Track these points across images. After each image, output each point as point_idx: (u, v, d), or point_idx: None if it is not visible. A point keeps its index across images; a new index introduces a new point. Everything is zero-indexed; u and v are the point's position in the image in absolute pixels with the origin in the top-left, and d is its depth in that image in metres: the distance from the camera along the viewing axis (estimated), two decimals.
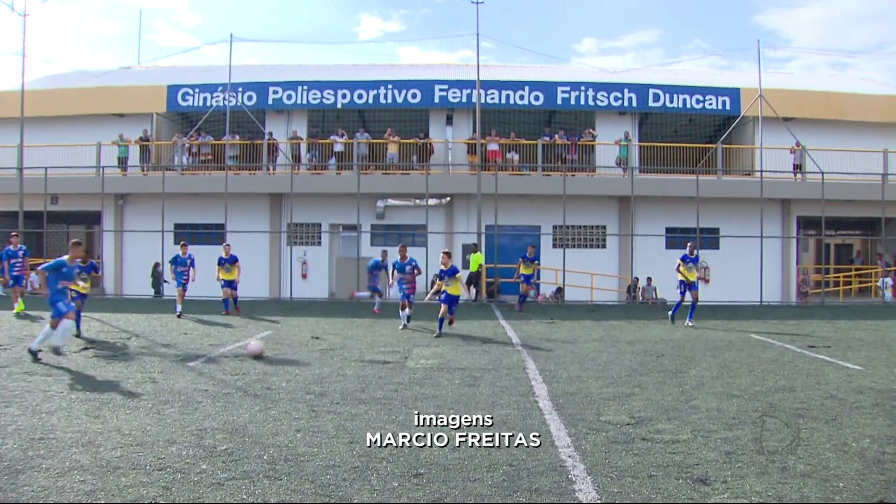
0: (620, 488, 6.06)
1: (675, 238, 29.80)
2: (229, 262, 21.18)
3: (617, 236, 30.49)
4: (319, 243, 30.71)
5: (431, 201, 29.97)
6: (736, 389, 10.51)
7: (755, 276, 28.33)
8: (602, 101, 31.31)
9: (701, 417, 8.68)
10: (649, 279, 28.32)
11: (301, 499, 5.67)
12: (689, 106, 31.58)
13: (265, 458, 6.74)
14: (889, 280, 32.21)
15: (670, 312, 19.59)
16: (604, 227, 30.68)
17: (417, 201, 30.23)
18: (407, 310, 17.88)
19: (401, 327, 17.55)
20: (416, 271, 17.74)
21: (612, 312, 23.46)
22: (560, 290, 28.56)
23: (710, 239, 30.43)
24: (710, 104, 31.63)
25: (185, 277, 20.30)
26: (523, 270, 23.40)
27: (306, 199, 29.95)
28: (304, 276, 30.17)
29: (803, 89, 33.14)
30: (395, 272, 18.33)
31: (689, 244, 19.21)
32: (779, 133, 30.87)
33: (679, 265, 18.84)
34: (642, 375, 11.63)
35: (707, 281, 29.21)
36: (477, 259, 27.32)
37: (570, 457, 6.93)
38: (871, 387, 10.90)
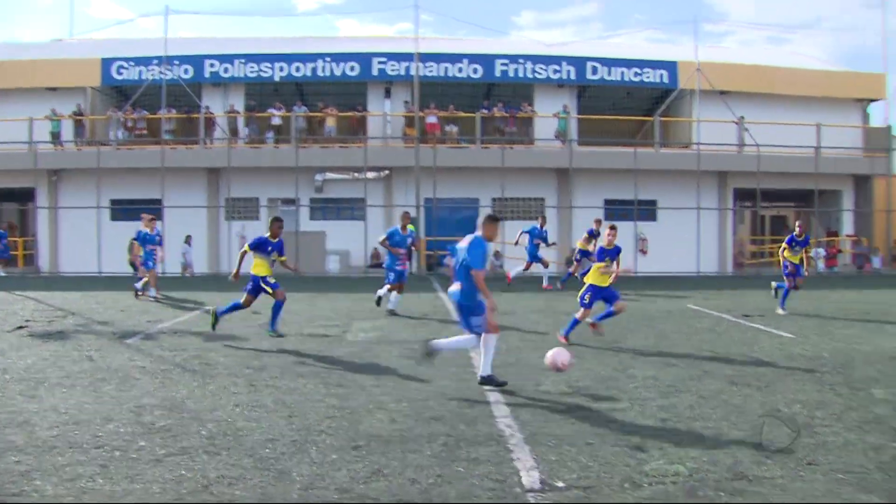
0: (558, 456, 6.17)
1: (613, 210, 30.10)
2: (148, 238, 18.96)
3: (556, 208, 30.76)
4: (258, 218, 30.37)
5: (370, 174, 30.13)
6: (672, 358, 10.76)
7: (692, 247, 29.20)
8: (541, 74, 31.66)
9: (638, 386, 8.90)
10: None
11: (240, 473, 5.66)
12: (627, 79, 32.10)
13: (204, 433, 6.72)
14: (822, 251, 33.28)
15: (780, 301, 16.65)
16: (542, 200, 31.04)
17: (356, 175, 30.32)
18: (396, 293, 15.78)
19: (387, 308, 15.72)
20: (415, 246, 16.34)
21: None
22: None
23: (647, 211, 31.00)
24: (648, 77, 32.21)
25: (155, 256, 18.85)
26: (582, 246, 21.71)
27: (244, 173, 29.89)
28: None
29: (740, 63, 33.75)
30: (391, 246, 15.49)
31: (798, 224, 16.80)
32: (715, 106, 31.56)
33: (784, 249, 16.43)
34: (581, 346, 11.78)
35: (645, 252, 30.03)
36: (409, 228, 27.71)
37: (508, 426, 7.05)
38: (802, 354, 11.23)
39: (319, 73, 31.10)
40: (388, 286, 15.80)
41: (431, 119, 30.36)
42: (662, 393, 8.55)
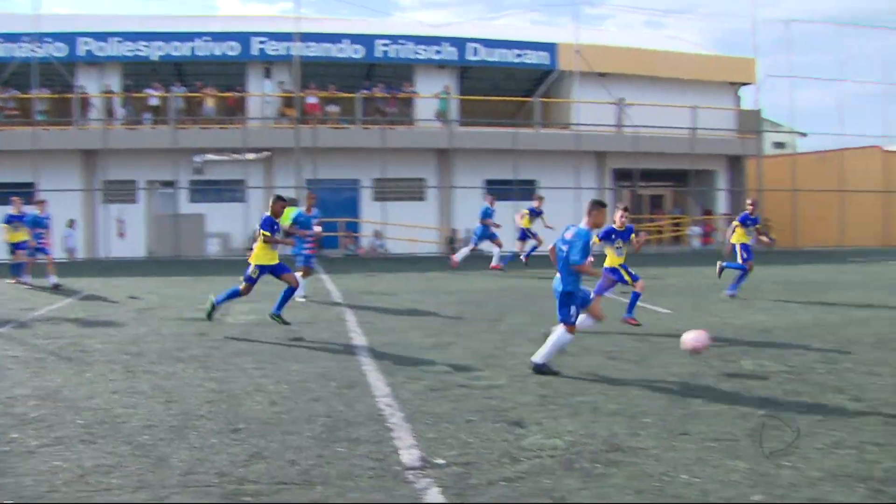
0: (438, 434, 6.33)
1: (493, 190, 30.17)
2: (21, 220, 18.49)
3: (436, 188, 31.61)
4: (135, 201, 30.29)
5: (250, 156, 30.27)
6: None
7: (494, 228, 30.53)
8: (422, 55, 32.25)
9: (517, 363, 9.13)
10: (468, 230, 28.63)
11: (118, 461, 5.62)
12: (508, 60, 32.93)
13: (80, 422, 6.65)
14: (698, 229, 35.10)
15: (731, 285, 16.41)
16: (423, 180, 31.73)
17: (236, 156, 30.32)
18: (304, 279, 14.90)
19: (302, 299, 14.81)
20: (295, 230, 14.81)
21: (433, 264, 24.32)
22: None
23: (527, 190, 31.18)
24: (529, 59, 33.12)
25: (44, 240, 18.50)
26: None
27: (121, 155, 29.50)
28: (122, 235, 29.84)
29: (619, 46, 35.00)
30: (297, 228, 14.78)
31: (749, 203, 16.44)
32: (595, 88, 32.76)
33: (736, 227, 16.09)
34: (461, 325, 12.09)
35: None
36: (288, 213, 28.33)
37: (388, 406, 7.20)
38: (678, 329, 11.39)
39: (198, 52, 30.90)
40: (304, 269, 15.05)
41: (312, 100, 30.56)
42: None
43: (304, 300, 14.73)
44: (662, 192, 39.50)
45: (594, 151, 33.05)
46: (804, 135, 43.99)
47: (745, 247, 15.77)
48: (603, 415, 7.01)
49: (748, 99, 38.50)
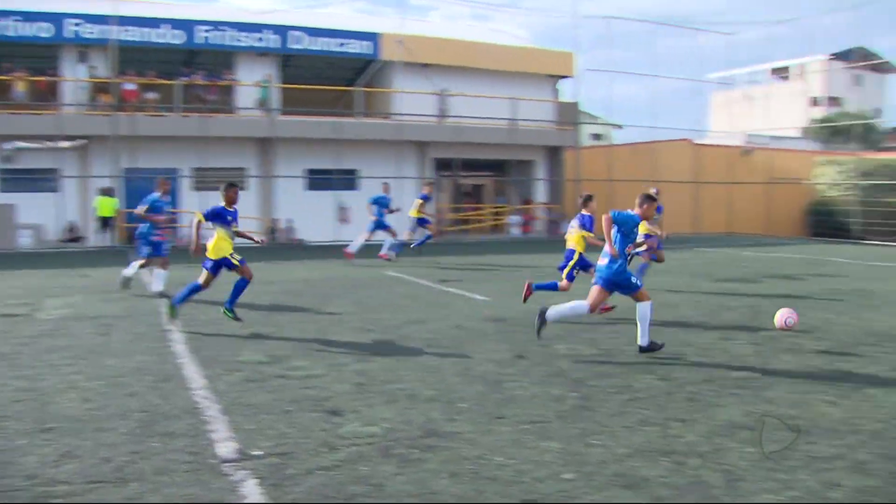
0: (255, 425, 6.45)
1: (316, 180, 31.64)
2: None
3: (258, 178, 31.80)
4: None
5: (65, 144, 29.52)
6: (370, 324, 11.44)
7: (396, 216, 29.55)
8: (243, 42, 32.31)
9: (335, 352, 9.41)
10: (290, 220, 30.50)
11: None
12: (330, 49, 33.39)
13: None
14: (518, 218, 36.49)
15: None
16: (244, 170, 31.75)
17: (49, 144, 29.46)
18: (160, 269, 14.47)
19: (157, 293, 14.29)
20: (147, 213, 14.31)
21: (252, 254, 22.58)
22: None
23: (348, 180, 32.39)
24: (352, 48, 33.70)
25: None
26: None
27: None
28: None
29: (443, 37, 35.95)
30: (151, 215, 14.41)
31: (655, 191, 15.46)
32: (418, 78, 33.75)
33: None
34: (280, 315, 12.34)
35: (347, 221, 30.99)
36: (104, 203, 27.70)
37: (205, 398, 7.24)
38: (495, 316, 12.31)
39: (8, 32, 29.84)
40: (140, 262, 14.70)
41: (130, 86, 30.10)
42: (359, 358, 9.11)
43: (162, 295, 13.87)
44: (483, 181, 40.89)
45: (416, 141, 33.93)
46: (620, 127, 47.23)
47: (647, 237, 15.67)
48: (420, 401, 7.26)
49: (567, 92, 40.25)
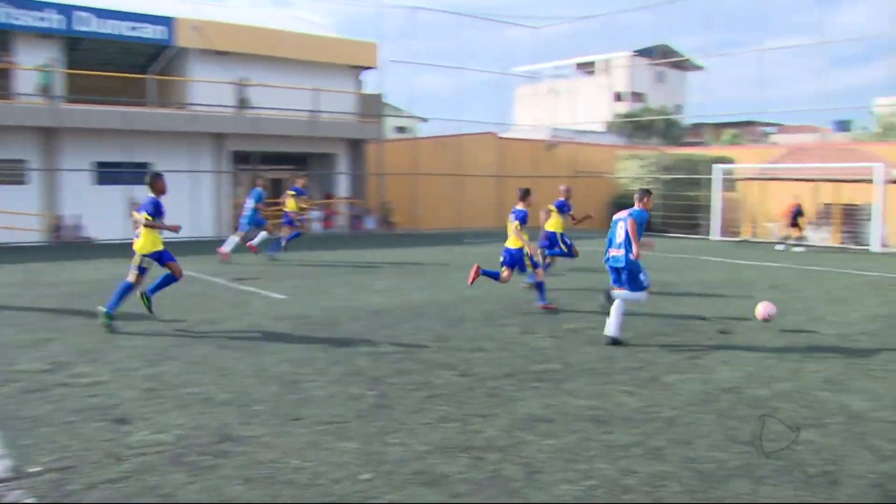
0: (34, 439, 6.26)
1: (105, 173, 30.74)
2: None
3: (40, 171, 30.38)
4: None
5: None
6: (161, 325, 11.34)
7: (188, 211, 30.55)
8: (22, 21, 30.72)
9: (123, 357, 9.23)
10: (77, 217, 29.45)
11: None
12: (122, 33, 32.35)
13: None
14: (318, 213, 36.28)
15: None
16: (24, 162, 30.37)
17: None
18: None
19: None
20: None
21: (35, 254, 23.73)
22: None
23: (140, 174, 31.14)
24: (145, 33, 32.80)
25: None
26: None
27: None
28: None
29: (242, 24, 35.49)
30: None
31: (564, 189, 17.81)
32: (215, 67, 33.33)
33: (551, 212, 17.33)
34: (64, 319, 12.00)
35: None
36: None
37: None
38: (292, 314, 12.36)
39: None
40: None
41: None
42: (149, 362, 8.97)
43: None
44: (283, 175, 40.87)
45: (212, 133, 33.43)
46: (425, 120, 48.31)
47: (555, 234, 16.89)
48: (213, 405, 7.24)
49: (371, 83, 40.51)
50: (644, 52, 66.15)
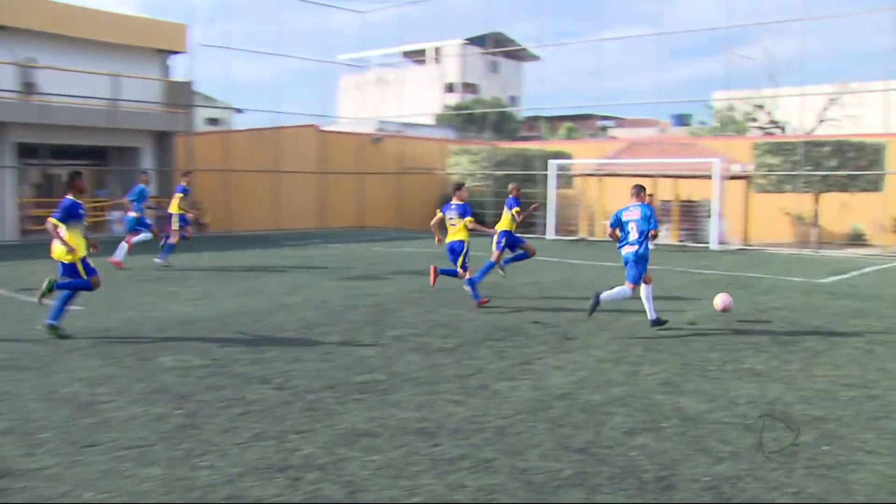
0: None
1: None
2: None
3: None
4: None
5: None
6: None
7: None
8: None
9: None
10: None
11: None
12: None
13: None
14: (119, 213, 33.36)
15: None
16: None
17: None
18: None
19: None
20: None
21: None
22: None
23: None
24: None
25: None
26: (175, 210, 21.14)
27: None
28: None
29: None
30: None
31: (512, 187, 17.40)
32: None
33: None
34: None
35: None
36: None
37: None
38: (88, 327, 11.96)
39: None
40: None
41: None
42: None
43: None
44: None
45: None
46: (240, 111, 47.55)
47: (505, 233, 16.35)
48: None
49: (179, 69, 39.45)
50: (476, 41, 66.88)
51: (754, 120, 54.90)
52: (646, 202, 12.35)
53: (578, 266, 22.08)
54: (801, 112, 39.27)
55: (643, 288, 12.25)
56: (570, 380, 9.11)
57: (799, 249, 30.64)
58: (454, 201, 14.42)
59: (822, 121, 51.10)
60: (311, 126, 42.51)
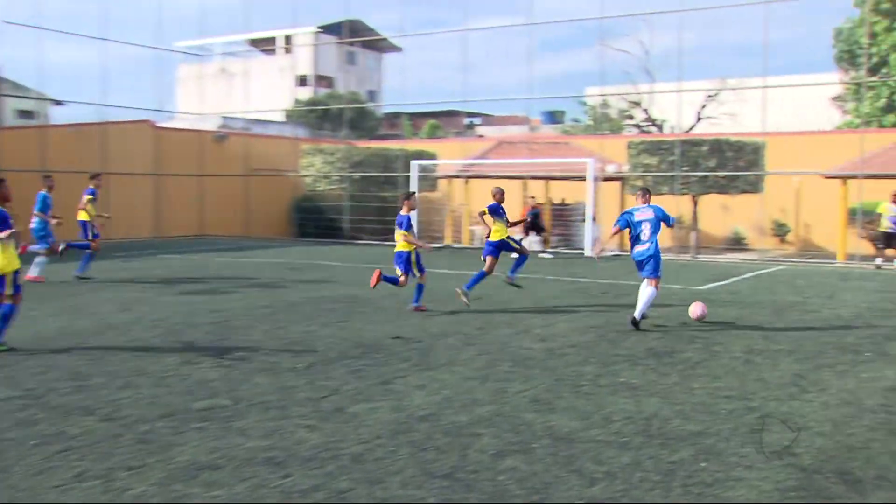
0: None
1: None
2: None
3: None
4: None
5: None
6: None
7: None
8: None
9: None
10: None
11: None
12: None
13: None
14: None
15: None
16: None
17: None
18: None
19: None
20: None
21: None
22: None
23: None
24: None
25: None
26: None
27: None
28: None
29: None
30: None
31: (494, 192, 17.47)
32: None
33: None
34: None
35: None
36: None
37: None
38: None
39: None
40: None
41: None
42: None
43: None
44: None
45: None
46: (59, 103, 45.68)
47: (502, 242, 16.57)
48: None
49: None
50: (331, 29, 66.19)
51: (630, 117, 55.86)
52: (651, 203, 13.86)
53: (443, 276, 21.52)
54: (679, 109, 39.54)
55: (647, 288, 13.41)
56: (434, 399, 9.04)
57: (677, 255, 31.30)
58: (402, 211, 15.27)
59: (700, 118, 52.04)
60: (145, 121, 41.19)
